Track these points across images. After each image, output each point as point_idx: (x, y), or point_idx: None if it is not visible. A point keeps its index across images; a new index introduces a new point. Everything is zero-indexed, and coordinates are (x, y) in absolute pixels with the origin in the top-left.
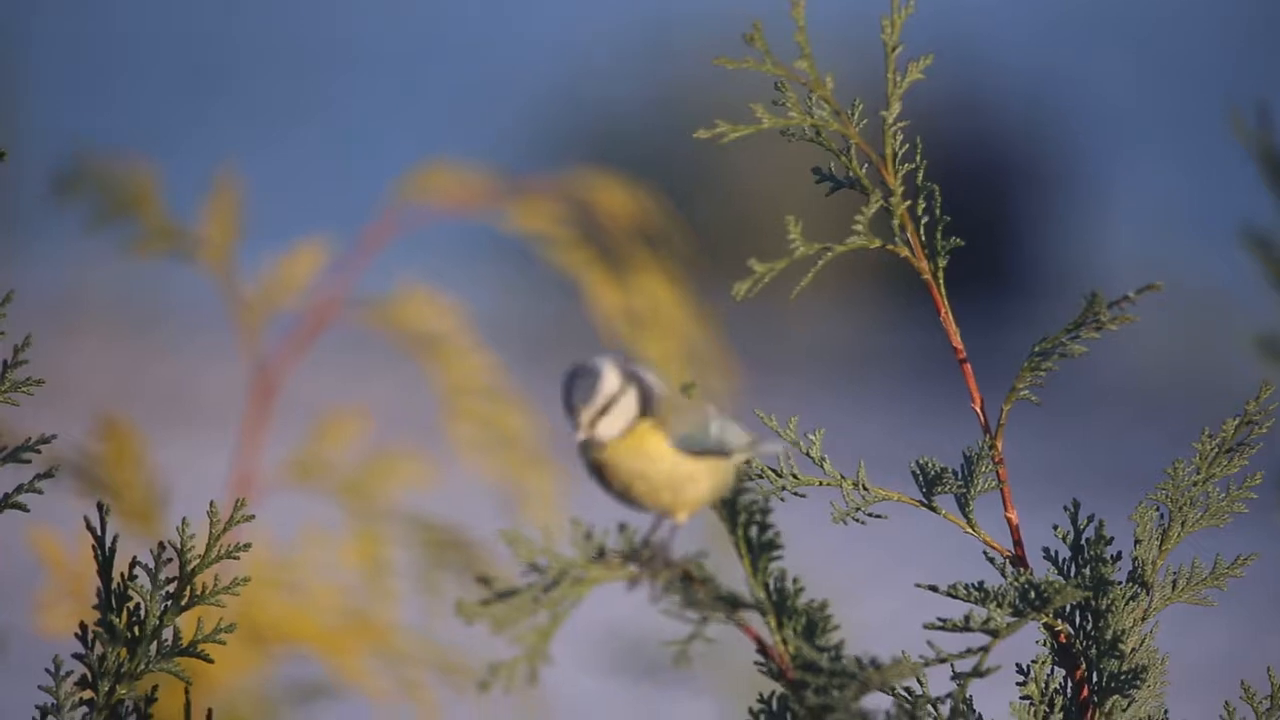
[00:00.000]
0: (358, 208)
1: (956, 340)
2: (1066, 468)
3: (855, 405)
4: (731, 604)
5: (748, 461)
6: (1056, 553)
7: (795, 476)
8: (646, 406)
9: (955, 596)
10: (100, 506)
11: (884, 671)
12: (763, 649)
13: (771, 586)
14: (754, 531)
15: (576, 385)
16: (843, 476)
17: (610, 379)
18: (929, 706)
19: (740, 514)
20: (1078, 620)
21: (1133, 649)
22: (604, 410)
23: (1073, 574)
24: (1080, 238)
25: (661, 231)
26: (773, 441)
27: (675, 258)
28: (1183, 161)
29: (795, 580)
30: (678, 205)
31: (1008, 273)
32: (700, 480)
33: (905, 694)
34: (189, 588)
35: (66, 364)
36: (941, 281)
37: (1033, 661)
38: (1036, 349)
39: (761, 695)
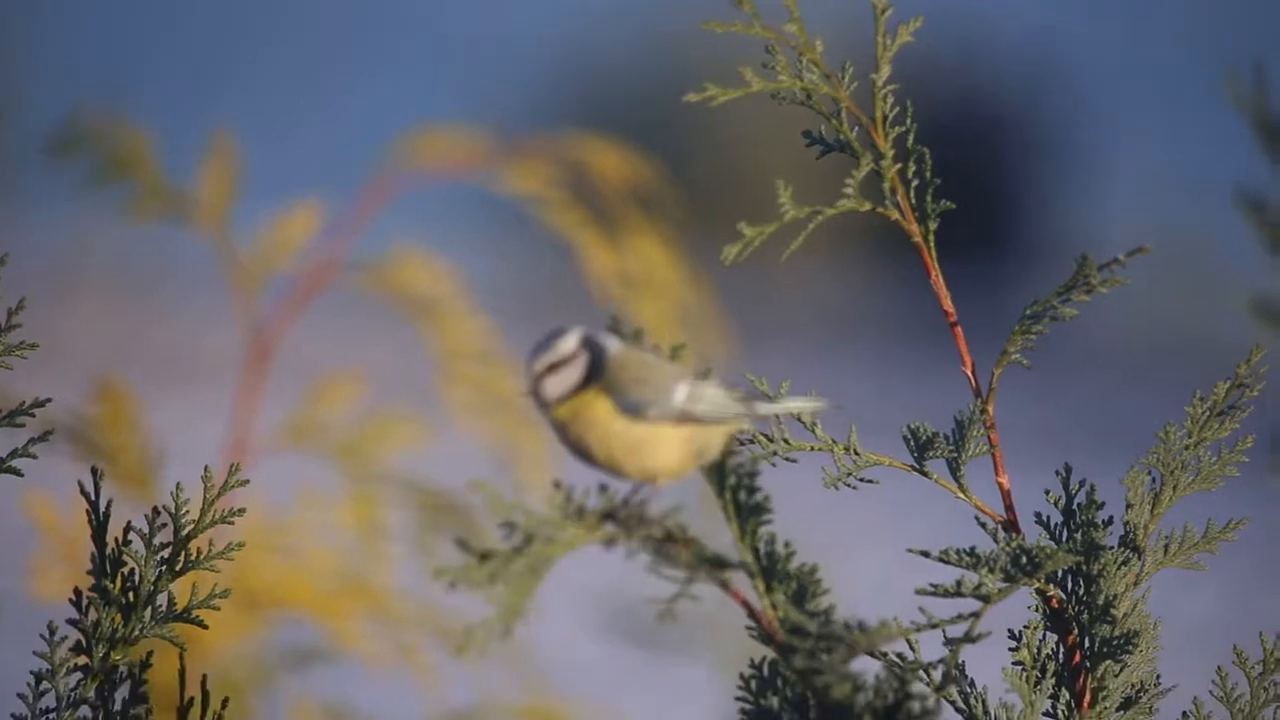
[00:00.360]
0: (353, 170)
1: (947, 303)
2: (1059, 431)
3: (846, 368)
4: (715, 566)
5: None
6: (1048, 517)
7: (787, 442)
8: (593, 375)
9: (947, 562)
10: (95, 471)
11: (871, 634)
12: (750, 612)
13: (761, 550)
14: (742, 495)
15: (537, 345)
16: (834, 441)
17: (568, 343)
18: (921, 672)
19: (728, 476)
20: (1070, 585)
21: (1125, 614)
22: (551, 369)
23: (1064, 539)
24: (1075, 200)
25: (655, 193)
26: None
27: (668, 220)
28: (1178, 124)
29: (787, 545)
30: (671, 167)
31: (1002, 236)
32: (662, 446)
33: (897, 660)
34: (183, 553)
35: (62, 327)
36: (932, 244)
37: (1025, 627)
38: (1027, 312)
39: (753, 660)
